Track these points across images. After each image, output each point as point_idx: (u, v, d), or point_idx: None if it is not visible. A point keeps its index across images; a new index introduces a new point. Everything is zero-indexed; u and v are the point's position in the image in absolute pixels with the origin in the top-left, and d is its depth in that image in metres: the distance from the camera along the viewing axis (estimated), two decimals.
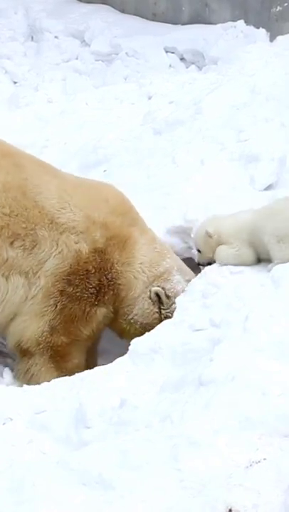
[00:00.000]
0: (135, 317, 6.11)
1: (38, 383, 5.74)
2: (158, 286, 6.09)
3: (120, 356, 5.42)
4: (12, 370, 6.22)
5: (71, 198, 5.99)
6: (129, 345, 5.42)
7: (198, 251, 6.08)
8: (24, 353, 6.06)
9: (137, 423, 4.55)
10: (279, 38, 9.85)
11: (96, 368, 5.51)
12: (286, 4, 10.40)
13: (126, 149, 7.75)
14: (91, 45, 10.78)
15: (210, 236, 5.96)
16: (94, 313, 6.02)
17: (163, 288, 6.09)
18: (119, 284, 6.05)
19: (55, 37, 10.91)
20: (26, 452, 4.64)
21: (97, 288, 6.00)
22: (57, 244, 5.90)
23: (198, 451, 4.08)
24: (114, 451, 4.18)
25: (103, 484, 3.99)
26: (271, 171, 6.80)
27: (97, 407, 4.84)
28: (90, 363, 6.23)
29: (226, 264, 5.85)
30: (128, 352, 5.38)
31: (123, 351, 5.49)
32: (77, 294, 5.96)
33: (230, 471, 3.98)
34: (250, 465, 4.00)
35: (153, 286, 6.09)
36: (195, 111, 7.74)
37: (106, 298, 6.03)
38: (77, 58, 10.71)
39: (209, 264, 6.00)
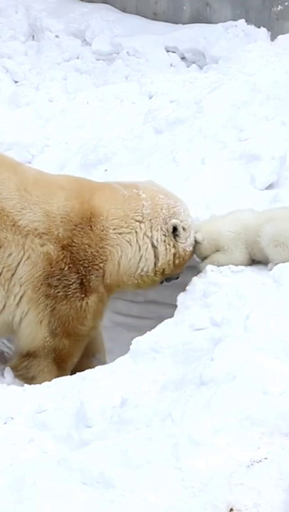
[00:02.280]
0: (144, 267, 6.01)
1: (36, 380, 5.75)
2: (175, 219, 5.99)
3: (121, 355, 5.42)
4: None
5: (31, 196, 5.84)
6: (131, 344, 5.43)
7: None
8: (29, 354, 6.05)
9: (137, 422, 4.54)
10: (280, 37, 9.88)
11: (97, 367, 5.51)
12: (287, 3, 10.41)
13: (127, 148, 7.74)
14: (92, 44, 10.78)
15: (200, 242, 6.02)
16: (86, 305, 5.95)
17: (179, 220, 6.01)
18: (100, 263, 5.93)
19: (56, 36, 10.91)
20: (27, 451, 4.63)
21: (79, 280, 5.91)
22: (24, 249, 5.80)
23: (199, 450, 4.08)
24: (115, 450, 4.17)
25: (104, 483, 3.99)
26: (272, 169, 6.79)
27: (98, 406, 4.83)
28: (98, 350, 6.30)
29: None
30: (129, 351, 5.38)
31: (124, 350, 5.48)
32: (60, 293, 5.89)
33: (231, 470, 3.98)
34: (252, 464, 4.00)
35: (170, 219, 5.98)
36: (196, 110, 7.73)
37: (91, 284, 5.93)
38: (78, 57, 10.72)
39: None
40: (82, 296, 5.93)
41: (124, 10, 11.51)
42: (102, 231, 5.93)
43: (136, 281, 6.07)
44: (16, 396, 5.26)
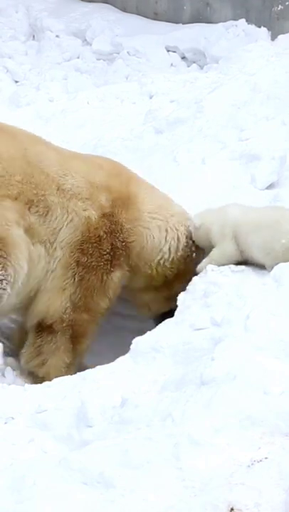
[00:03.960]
0: (165, 255, 6.24)
1: (47, 363, 5.80)
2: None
3: (122, 355, 5.41)
4: (14, 369, 6.21)
5: (70, 166, 6.02)
6: (131, 344, 5.42)
7: None
8: (45, 329, 6.05)
9: (138, 422, 4.54)
10: (280, 36, 9.88)
11: (98, 367, 5.50)
12: (287, 3, 10.40)
13: (127, 148, 7.75)
14: (92, 44, 10.77)
15: (196, 228, 6.06)
16: (110, 280, 6.07)
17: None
18: (131, 242, 6.13)
19: (57, 36, 10.90)
20: (27, 451, 4.62)
21: (111, 253, 6.05)
22: (67, 212, 5.92)
23: (199, 450, 4.07)
24: (115, 450, 4.17)
25: (104, 483, 3.98)
26: (272, 169, 6.80)
27: (98, 406, 4.82)
28: None
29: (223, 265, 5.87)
30: (129, 351, 5.37)
31: (124, 350, 5.48)
32: (93, 263, 5.98)
33: (231, 469, 3.98)
34: (252, 464, 3.99)
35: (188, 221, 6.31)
36: (196, 110, 7.74)
37: (121, 259, 6.08)
38: (78, 57, 10.71)
39: None
40: (111, 269, 6.05)
41: (124, 10, 11.51)
42: (138, 212, 6.14)
43: (149, 271, 6.23)
44: (17, 396, 5.25)
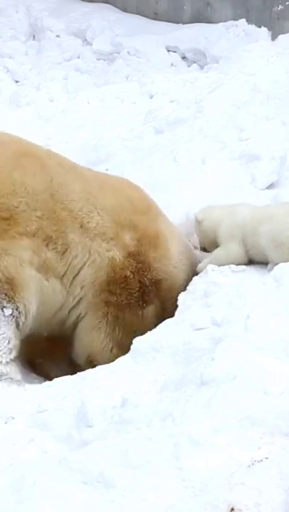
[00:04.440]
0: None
1: None
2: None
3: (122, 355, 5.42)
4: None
5: (97, 201, 5.83)
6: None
7: None
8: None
9: (138, 422, 4.53)
10: (280, 36, 9.91)
11: (98, 367, 5.51)
12: (287, 3, 10.42)
13: (127, 148, 7.76)
14: (93, 44, 10.80)
15: (199, 221, 6.03)
16: (147, 313, 5.98)
17: None
18: (161, 279, 6.01)
19: (57, 36, 10.94)
20: (27, 451, 4.62)
21: (140, 290, 5.93)
22: (89, 253, 5.77)
23: (199, 450, 4.07)
24: (115, 450, 4.17)
25: (104, 483, 3.98)
26: (272, 169, 6.80)
27: (98, 406, 4.82)
28: None
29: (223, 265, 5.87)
30: (130, 351, 5.37)
31: None
32: (124, 302, 5.89)
33: (231, 469, 3.97)
34: (252, 464, 3.99)
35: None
36: (196, 110, 7.75)
37: (151, 296, 5.98)
38: (78, 57, 10.74)
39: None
40: (144, 305, 5.95)
41: (125, 10, 11.53)
42: (167, 251, 6.03)
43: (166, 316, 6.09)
44: (17, 396, 5.25)
